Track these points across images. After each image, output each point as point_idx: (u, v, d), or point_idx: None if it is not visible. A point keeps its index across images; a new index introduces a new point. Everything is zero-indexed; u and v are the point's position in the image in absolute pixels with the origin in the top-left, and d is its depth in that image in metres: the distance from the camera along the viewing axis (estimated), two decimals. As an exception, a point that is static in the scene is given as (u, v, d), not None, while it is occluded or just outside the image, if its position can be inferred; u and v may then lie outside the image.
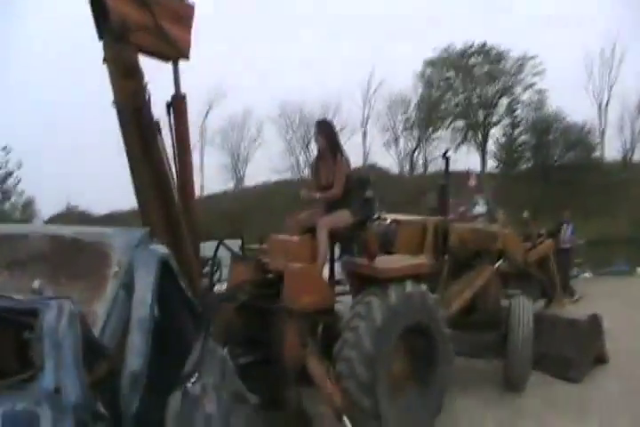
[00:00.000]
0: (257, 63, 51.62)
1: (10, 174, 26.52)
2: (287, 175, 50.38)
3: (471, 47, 46.29)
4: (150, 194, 4.95)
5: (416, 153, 50.60)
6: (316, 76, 51.86)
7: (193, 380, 3.96)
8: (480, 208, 13.81)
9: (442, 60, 46.92)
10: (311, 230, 6.51)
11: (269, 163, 50.91)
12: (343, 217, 6.62)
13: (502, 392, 7.93)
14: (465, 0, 58.21)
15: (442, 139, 48.35)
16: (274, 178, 49.46)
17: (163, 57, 5.20)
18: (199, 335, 4.43)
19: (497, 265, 8.42)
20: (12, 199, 27.84)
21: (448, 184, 8.43)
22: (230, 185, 51.75)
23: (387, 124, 50.97)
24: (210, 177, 56.28)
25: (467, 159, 43.48)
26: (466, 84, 46.85)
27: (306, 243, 6.45)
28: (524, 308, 8.03)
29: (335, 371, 5.98)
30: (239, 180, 52.83)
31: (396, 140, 51.00)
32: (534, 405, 7.56)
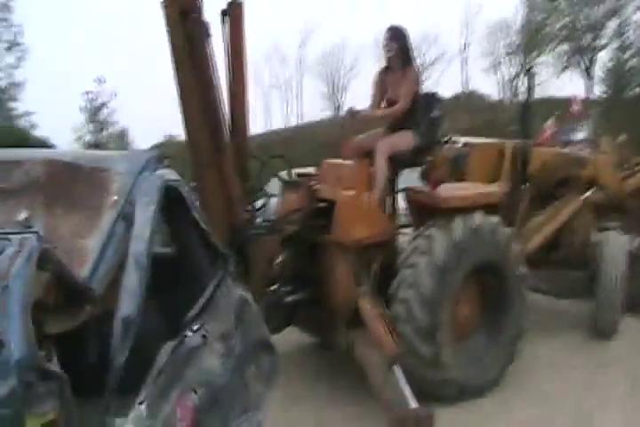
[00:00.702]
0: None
1: (104, 105, 26.46)
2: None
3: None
4: (193, 102, 4.67)
5: (518, 79, 48.17)
6: (413, 2, 49.56)
7: (194, 328, 3.32)
8: (580, 134, 12.64)
9: (547, -20, 43.81)
10: (370, 155, 5.70)
11: (366, 91, 49.52)
12: (406, 139, 5.76)
13: (588, 338, 7.05)
14: None
15: (545, 64, 45.68)
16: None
17: None
18: (215, 274, 3.79)
19: (586, 195, 7.38)
20: (108, 130, 27.86)
21: (530, 103, 7.37)
22: (329, 113, 50.80)
23: (487, 49, 48.55)
24: (308, 105, 55.54)
25: (571, 85, 41.04)
26: (571, 5, 43.72)
27: (361, 168, 5.64)
28: (616, 244, 7.03)
29: (391, 313, 5.27)
30: (337, 108, 51.92)
31: (498, 65, 48.59)
32: (624, 353, 6.67)
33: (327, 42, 47.88)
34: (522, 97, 47.05)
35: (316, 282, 5.62)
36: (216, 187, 4.95)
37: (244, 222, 5.11)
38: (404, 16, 50.72)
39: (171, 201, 3.47)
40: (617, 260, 6.92)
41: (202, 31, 4.60)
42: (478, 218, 5.46)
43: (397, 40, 5.81)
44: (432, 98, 6.05)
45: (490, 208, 5.68)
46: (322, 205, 5.61)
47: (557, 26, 44.50)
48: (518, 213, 6.60)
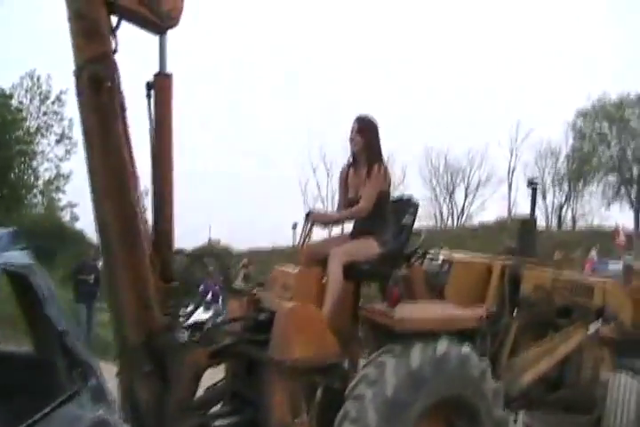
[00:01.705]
0: (403, 107, 50.19)
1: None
2: (430, 223, 48.35)
3: (628, 97, 42.81)
4: (103, 190, 4.05)
5: (565, 206, 47.25)
6: (462, 119, 49.70)
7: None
8: (615, 265, 11.73)
9: (595, 110, 43.65)
10: (325, 263, 4.88)
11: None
12: (366, 246, 4.94)
13: None
14: (622, 48, 54.59)
15: (593, 193, 44.81)
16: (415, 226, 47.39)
17: (141, 22, 4.20)
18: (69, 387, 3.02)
19: (597, 327, 6.32)
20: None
21: (534, 218, 6.50)
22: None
23: (535, 174, 47.91)
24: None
25: (619, 216, 39.92)
26: (620, 136, 43.30)
27: (310, 277, 4.82)
28: (627, 387, 5.92)
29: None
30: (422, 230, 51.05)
31: (544, 192, 47.85)
32: None
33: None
34: (568, 224, 46.14)
35: (251, 405, 4.70)
36: (127, 285, 4.20)
37: (163, 328, 4.30)
38: (449, 135, 51.01)
39: (17, 290, 2.81)
40: (626, 405, 5.80)
41: (114, 105, 3.94)
42: (443, 344, 4.51)
43: (365, 133, 5.08)
44: (405, 202, 5.28)
45: (463, 334, 4.74)
46: (264, 316, 4.76)
47: (605, 156, 43.98)
48: (506, 342, 5.58)
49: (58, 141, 31.71)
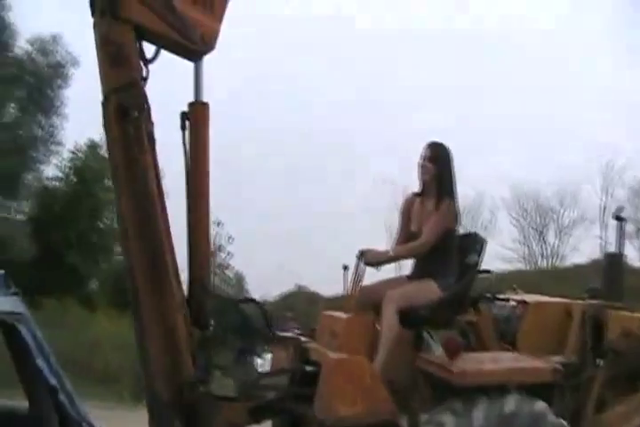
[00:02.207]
0: (489, 147, 49.05)
1: (220, 248, 26.35)
2: (519, 266, 46.65)
3: None
4: (130, 229, 3.72)
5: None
6: (551, 159, 47.99)
7: None
8: None
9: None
10: (379, 308, 4.36)
11: (501, 251, 47.60)
12: (426, 289, 4.39)
13: None
14: None
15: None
16: (503, 267, 45.87)
17: (173, 47, 3.91)
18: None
19: None
20: (226, 273, 27.68)
21: (621, 253, 5.77)
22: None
23: (630, 212, 45.78)
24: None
25: None
26: None
27: (361, 323, 4.32)
28: None
29: None
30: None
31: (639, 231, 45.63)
32: None
33: (463, 194, 46.31)
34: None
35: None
36: (156, 334, 3.80)
37: (196, 381, 3.86)
38: (540, 173, 49.46)
39: (6, 340, 2.72)
40: None
41: (141, 136, 3.64)
42: (511, 402, 3.89)
43: (437, 161, 4.58)
44: (470, 239, 4.72)
45: (536, 390, 4.10)
46: (310, 368, 4.26)
47: None
48: (589, 397, 4.86)
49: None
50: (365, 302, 4.46)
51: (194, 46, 3.93)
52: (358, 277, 4.46)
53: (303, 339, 4.55)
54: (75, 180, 23.66)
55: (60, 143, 22.76)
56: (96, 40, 3.62)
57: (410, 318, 4.29)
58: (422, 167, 4.58)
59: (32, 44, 20.85)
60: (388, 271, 4.79)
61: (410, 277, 4.61)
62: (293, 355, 4.44)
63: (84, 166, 23.84)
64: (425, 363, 4.18)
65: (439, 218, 4.44)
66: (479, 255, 4.61)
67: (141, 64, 3.75)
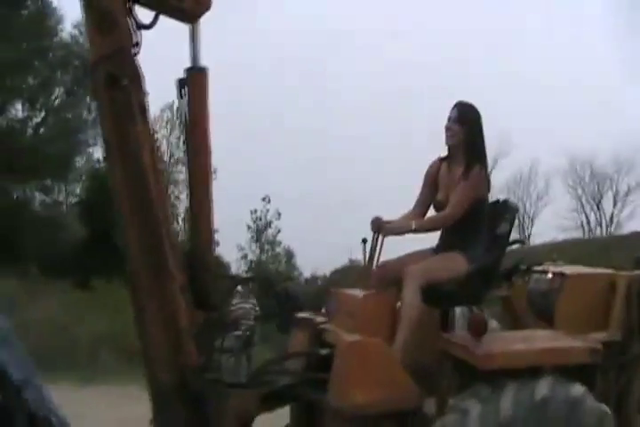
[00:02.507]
0: (543, 113, 47.58)
1: (269, 224, 26.18)
2: (576, 234, 45.44)
3: None
4: (125, 205, 3.48)
5: None
6: (607, 125, 46.31)
7: None
8: None
9: None
10: (401, 284, 3.97)
11: (557, 220, 46.37)
12: (452, 263, 3.99)
13: None
14: None
15: None
16: (561, 236, 44.73)
17: (166, 9, 3.63)
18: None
19: None
20: (275, 250, 27.51)
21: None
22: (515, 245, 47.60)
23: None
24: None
25: None
26: None
27: (380, 301, 3.94)
28: None
29: None
30: (525, 238, 48.78)
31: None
32: None
33: (515, 164, 45.17)
34: None
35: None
36: (155, 318, 3.53)
37: (200, 367, 3.59)
38: (595, 140, 47.86)
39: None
40: None
41: (131, 105, 3.37)
42: (544, 386, 3.48)
43: (466, 123, 4.10)
44: (500, 207, 4.27)
45: (574, 372, 3.69)
46: (326, 351, 3.92)
47: None
48: (636, 379, 4.40)
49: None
50: (385, 278, 4.08)
51: (189, 8, 3.64)
52: (377, 250, 4.07)
53: (319, 320, 4.20)
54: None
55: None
56: (81, 4, 3.35)
57: (433, 294, 3.90)
58: (448, 130, 4.12)
59: (78, 28, 20.77)
60: (411, 244, 4.39)
61: (435, 251, 4.21)
62: (309, 338, 4.11)
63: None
64: (448, 344, 3.78)
65: (468, 187, 4.01)
66: (510, 224, 4.17)
67: (133, 29, 3.49)
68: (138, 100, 3.44)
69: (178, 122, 32.90)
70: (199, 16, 3.75)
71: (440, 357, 3.88)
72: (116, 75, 3.35)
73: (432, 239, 4.30)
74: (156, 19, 3.58)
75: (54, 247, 21.51)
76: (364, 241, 4.11)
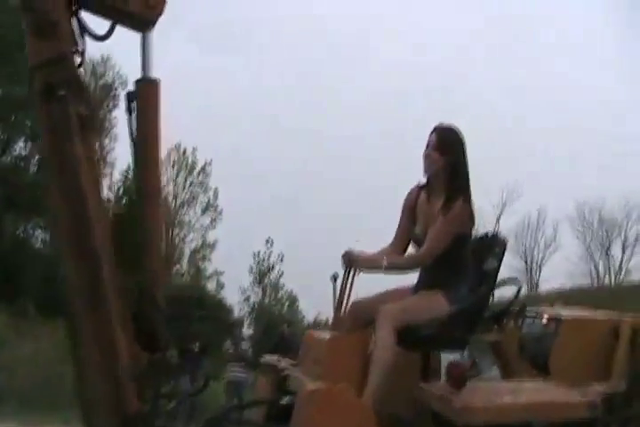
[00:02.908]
0: (553, 160, 47.33)
1: (272, 267, 25.81)
2: (584, 281, 44.65)
3: None
4: (59, 226, 3.13)
5: None
6: (617, 170, 45.86)
7: None
8: None
9: None
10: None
11: (565, 267, 45.67)
12: (429, 303, 3.51)
13: None
14: None
15: None
16: (569, 284, 43.94)
17: (113, 14, 3.26)
18: None
19: None
20: (279, 294, 27.02)
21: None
22: (523, 290, 46.62)
23: None
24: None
25: None
26: None
27: (349, 344, 3.46)
28: None
29: None
30: (533, 285, 47.97)
31: None
32: None
33: (524, 209, 44.73)
34: None
35: None
36: (93, 358, 3.08)
37: (142, 415, 3.12)
38: (602, 181, 47.33)
39: None
40: None
41: (67, 119, 3.00)
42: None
43: (446, 151, 3.62)
44: (488, 241, 3.83)
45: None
46: (287, 399, 3.45)
47: None
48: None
49: (204, 211, 32.36)
50: (358, 318, 3.61)
51: (139, 14, 3.28)
52: (348, 288, 3.61)
53: (284, 365, 3.73)
54: (126, 202, 23.53)
55: (111, 165, 22.65)
56: (19, 5, 3.04)
57: (410, 336, 3.43)
58: (427, 158, 3.66)
59: (82, 66, 20.75)
60: (391, 281, 3.92)
61: (415, 289, 3.75)
62: (272, 384, 3.64)
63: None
64: (425, 395, 3.30)
65: (448, 223, 3.54)
66: (499, 260, 3.71)
67: (78, 35, 3.16)
68: (77, 112, 3.06)
69: (184, 163, 33.03)
70: (152, 23, 3.38)
71: (417, 408, 3.40)
72: (52, 84, 2.99)
73: (413, 276, 3.85)
74: (111, 29, 3.24)
75: (53, 286, 21.12)
76: (335, 278, 3.66)
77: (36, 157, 21.01)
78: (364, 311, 3.59)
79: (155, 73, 3.36)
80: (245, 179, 35.94)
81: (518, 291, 4.01)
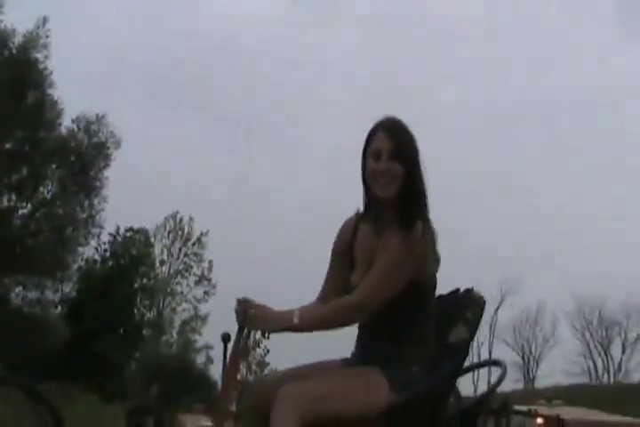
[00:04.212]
0: (554, 254, 46.43)
1: (258, 344, 24.43)
2: (582, 380, 42.81)
3: None
4: None
5: None
6: (618, 269, 44.80)
7: None
8: None
9: None
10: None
11: (563, 364, 43.95)
12: (359, 387, 2.23)
13: None
14: None
15: None
16: (566, 381, 42.02)
17: None
18: None
19: None
20: (264, 372, 25.46)
21: None
22: (519, 385, 44.31)
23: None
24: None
25: None
26: None
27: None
28: None
29: None
30: (529, 380, 45.87)
31: None
32: None
33: (522, 302, 43.64)
34: None
35: None
36: None
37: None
38: (604, 286, 46.02)
39: None
40: None
41: None
42: None
43: (405, 159, 2.37)
44: (459, 298, 2.54)
45: None
46: None
47: None
48: None
49: (197, 283, 31.36)
50: (257, 403, 2.34)
51: None
52: (240, 356, 2.36)
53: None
54: (112, 264, 22.47)
55: (100, 226, 21.60)
56: None
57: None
58: (387, 172, 2.37)
59: (76, 123, 20.09)
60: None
61: (347, 362, 2.47)
62: None
63: (123, 252, 22.70)
64: None
65: (406, 249, 2.28)
66: (473, 329, 2.45)
67: None
68: None
69: (180, 232, 32.04)
70: None
71: None
72: None
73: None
74: None
75: (26, 346, 19.74)
76: (226, 339, 2.43)
77: (20, 211, 20.07)
78: (267, 394, 2.31)
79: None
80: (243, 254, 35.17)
81: (500, 378, 2.70)
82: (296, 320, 2.24)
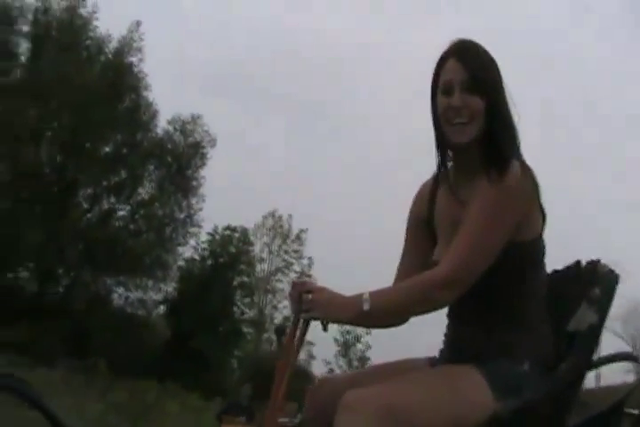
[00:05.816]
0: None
1: (358, 339, 24.09)
2: None
3: None
4: None
5: None
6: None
7: None
8: None
9: None
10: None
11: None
12: (452, 394, 1.60)
13: None
14: None
15: None
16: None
17: None
18: None
19: None
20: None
21: None
22: (629, 378, 42.18)
23: None
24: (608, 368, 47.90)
25: None
26: None
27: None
28: None
29: None
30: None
31: None
32: None
33: (632, 293, 41.11)
34: None
35: None
36: None
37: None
38: None
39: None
40: None
41: None
42: None
43: (487, 90, 1.70)
44: (580, 275, 1.91)
45: None
46: None
47: None
48: None
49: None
50: (320, 405, 1.79)
51: None
52: (296, 349, 1.83)
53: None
54: (210, 263, 22.52)
55: (198, 225, 21.70)
56: None
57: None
58: (463, 109, 1.74)
59: (172, 124, 20.24)
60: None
61: (433, 361, 1.88)
62: None
63: (222, 250, 22.69)
64: None
65: (501, 199, 1.63)
66: (603, 310, 1.82)
67: None
68: None
69: (279, 230, 32.03)
70: None
71: None
72: None
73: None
74: None
75: (128, 345, 20.03)
76: (280, 332, 1.90)
77: (118, 213, 20.39)
78: (330, 396, 1.76)
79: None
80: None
81: None
82: (366, 306, 1.63)
